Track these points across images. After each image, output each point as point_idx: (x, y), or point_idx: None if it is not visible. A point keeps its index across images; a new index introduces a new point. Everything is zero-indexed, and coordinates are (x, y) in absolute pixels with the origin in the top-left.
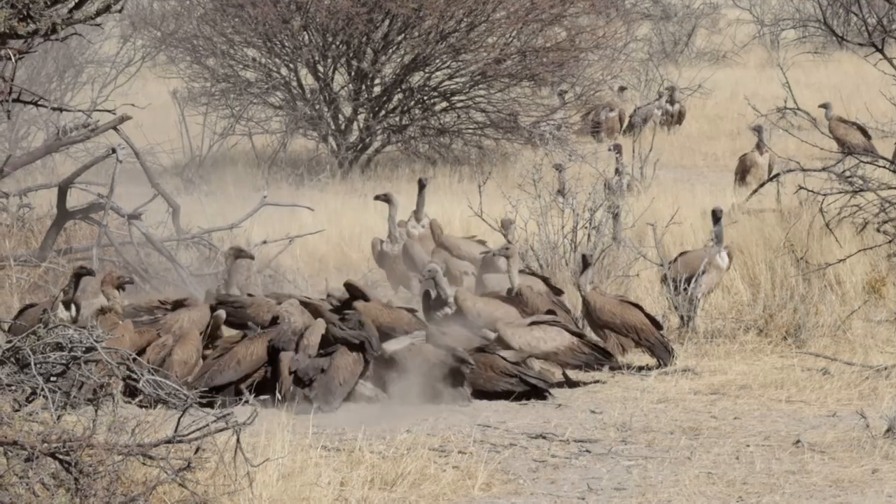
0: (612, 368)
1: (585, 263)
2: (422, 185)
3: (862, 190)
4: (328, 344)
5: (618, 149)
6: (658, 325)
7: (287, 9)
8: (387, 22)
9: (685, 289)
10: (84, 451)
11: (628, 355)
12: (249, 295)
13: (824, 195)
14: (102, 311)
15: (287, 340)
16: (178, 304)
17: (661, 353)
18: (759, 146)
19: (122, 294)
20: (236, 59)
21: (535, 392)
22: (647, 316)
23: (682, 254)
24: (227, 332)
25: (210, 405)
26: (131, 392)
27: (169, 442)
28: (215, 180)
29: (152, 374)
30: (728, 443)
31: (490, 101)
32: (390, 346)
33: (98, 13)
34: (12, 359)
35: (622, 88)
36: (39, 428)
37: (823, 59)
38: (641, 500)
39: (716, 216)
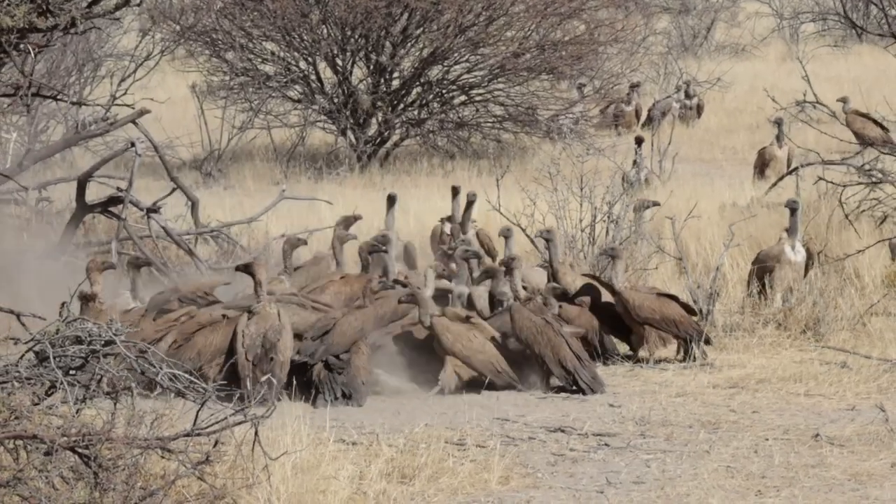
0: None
1: (612, 257)
2: (391, 201)
3: (881, 182)
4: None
5: (639, 142)
6: (693, 312)
7: (306, 2)
8: (405, 15)
9: (761, 287)
10: (103, 445)
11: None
12: None
13: (843, 187)
14: (85, 298)
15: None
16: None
17: (699, 344)
18: (779, 139)
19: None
20: (255, 52)
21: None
22: (682, 305)
23: (760, 252)
24: None
25: (228, 398)
26: (148, 384)
27: (188, 435)
28: (234, 174)
29: (170, 368)
30: (747, 436)
31: (509, 95)
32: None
33: (117, 7)
34: (32, 352)
35: (636, 85)
36: (59, 421)
37: (843, 52)
38: (660, 493)
39: (791, 208)
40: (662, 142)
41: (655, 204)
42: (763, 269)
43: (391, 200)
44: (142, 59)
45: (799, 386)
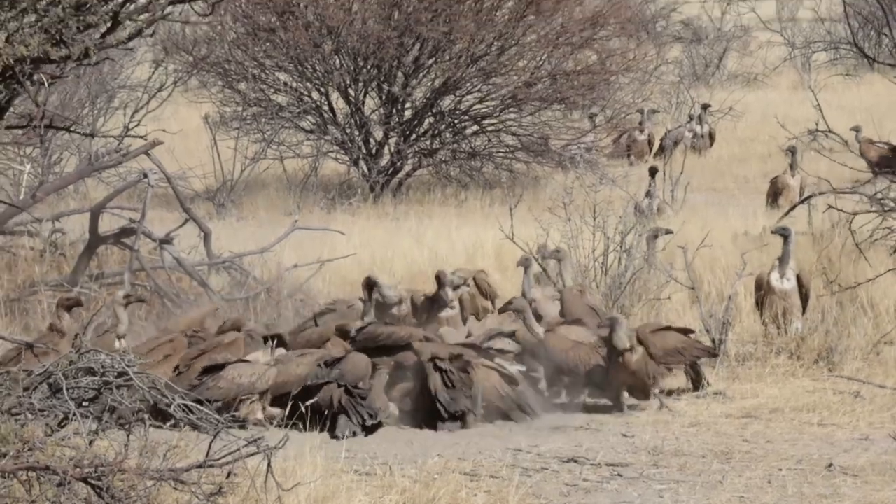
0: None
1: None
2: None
3: (892, 210)
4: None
5: (653, 173)
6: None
7: (318, 33)
8: (417, 46)
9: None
10: (116, 476)
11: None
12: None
13: (853, 215)
14: (52, 328)
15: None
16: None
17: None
18: (792, 168)
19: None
20: (268, 83)
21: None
22: (680, 330)
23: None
24: None
25: (241, 429)
26: (163, 416)
27: (200, 466)
28: (247, 205)
29: (184, 399)
30: (760, 466)
31: (521, 125)
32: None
33: (130, 38)
34: (45, 384)
35: (653, 111)
36: (71, 453)
37: (855, 80)
38: None
39: (782, 235)
40: (675, 171)
41: (668, 232)
42: (758, 297)
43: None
44: (155, 91)
45: (812, 415)
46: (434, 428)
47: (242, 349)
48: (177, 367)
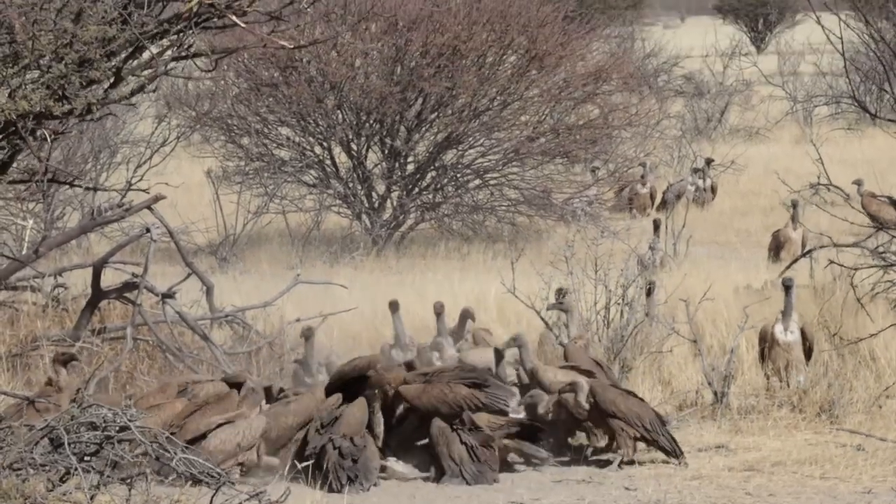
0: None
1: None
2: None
3: (894, 265)
4: None
5: (657, 224)
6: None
7: (321, 88)
8: (420, 100)
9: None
10: None
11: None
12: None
13: (854, 270)
14: (49, 382)
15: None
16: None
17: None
18: (794, 221)
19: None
20: (270, 137)
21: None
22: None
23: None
24: None
25: (243, 482)
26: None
27: None
28: (249, 259)
29: (185, 453)
30: None
31: (523, 179)
32: None
33: (132, 93)
34: (46, 438)
35: (655, 165)
36: None
37: (857, 134)
38: None
39: (785, 286)
40: (677, 224)
41: (651, 282)
42: (762, 349)
43: (393, 307)
44: (158, 146)
45: (815, 469)
46: (437, 480)
47: (235, 405)
48: (170, 426)
